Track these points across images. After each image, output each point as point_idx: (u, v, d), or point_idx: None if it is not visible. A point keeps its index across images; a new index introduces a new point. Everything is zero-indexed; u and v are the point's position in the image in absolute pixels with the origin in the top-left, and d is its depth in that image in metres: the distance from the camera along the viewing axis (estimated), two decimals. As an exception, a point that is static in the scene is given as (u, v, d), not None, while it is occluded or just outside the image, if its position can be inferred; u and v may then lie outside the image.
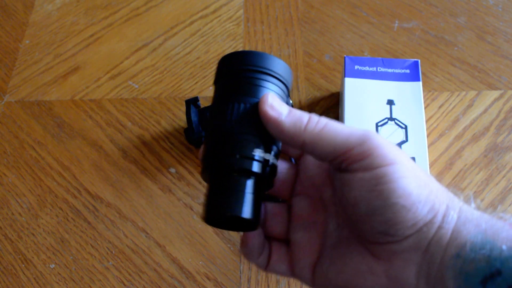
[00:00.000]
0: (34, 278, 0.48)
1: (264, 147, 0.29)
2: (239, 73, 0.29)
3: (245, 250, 0.32)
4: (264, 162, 0.29)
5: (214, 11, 0.65)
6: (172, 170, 0.53)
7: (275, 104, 0.28)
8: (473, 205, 0.27)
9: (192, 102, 0.54)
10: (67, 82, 0.61)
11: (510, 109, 0.54)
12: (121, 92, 0.59)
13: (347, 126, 0.28)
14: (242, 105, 0.29)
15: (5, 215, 0.52)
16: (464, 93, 0.56)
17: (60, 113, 0.58)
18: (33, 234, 0.50)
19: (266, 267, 0.32)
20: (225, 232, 0.49)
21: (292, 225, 0.33)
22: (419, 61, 0.51)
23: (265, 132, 0.29)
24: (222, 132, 0.29)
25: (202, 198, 0.51)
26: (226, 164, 0.28)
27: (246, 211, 0.28)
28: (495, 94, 0.55)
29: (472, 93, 0.55)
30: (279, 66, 0.30)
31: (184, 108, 0.57)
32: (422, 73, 0.57)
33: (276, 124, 0.28)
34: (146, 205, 0.51)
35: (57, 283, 0.48)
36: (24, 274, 0.48)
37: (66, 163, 0.55)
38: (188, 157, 0.54)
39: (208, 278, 0.47)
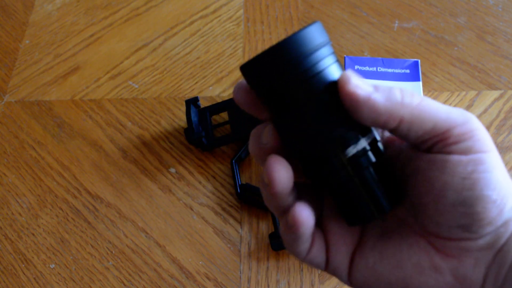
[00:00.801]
0: (34, 278, 0.48)
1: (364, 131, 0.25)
2: (292, 71, 0.24)
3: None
4: (373, 144, 0.26)
5: (214, 11, 0.65)
6: (172, 170, 0.53)
7: (359, 82, 0.24)
8: None
9: (192, 102, 0.54)
10: (67, 82, 0.61)
11: (510, 109, 0.54)
12: (121, 92, 0.59)
13: (442, 104, 0.24)
14: (317, 105, 0.24)
15: (5, 215, 0.52)
16: (464, 93, 0.56)
17: (60, 113, 0.58)
18: (33, 234, 0.50)
19: (305, 256, 0.28)
20: (225, 232, 0.49)
21: (326, 208, 0.29)
22: (419, 61, 0.51)
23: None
24: (317, 144, 0.25)
25: (202, 198, 0.51)
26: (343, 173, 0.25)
27: (385, 205, 0.25)
28: (495, 94, 0.55)
29: (472, 93, 0.55)
30: (317, 35, 0.24)
31: (184, 108, 0.57)
32: (422, 73, 0.57)
33: (370, 104, 0.23)
34: (146, 205, 0.51)
35: (57, 283, 0.48)
36: (24, 274, 0.48)
37: (66, 163, 0.55)
38: (188, 157, 0.54)
39: (208, 278, 0.47)
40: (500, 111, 0.54)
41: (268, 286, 0.46)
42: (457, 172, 0.23)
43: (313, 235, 0.27)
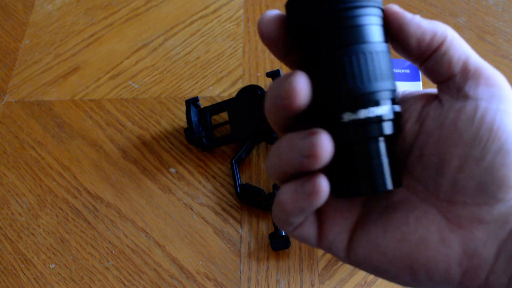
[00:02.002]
0: (34, 278, 0.48)
1: (394, 96, 0.24)
2: (334, 16, 0.23)
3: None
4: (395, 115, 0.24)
5: (214, 11, 0.65)
6: (172, 170, 0.53)
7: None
8: None
9: (192, 102, 0.54)
10: (67, 82, 0.61)
11: (510, 109, 0.54)
12: (121, 92, 0.59)
13: None
14: (360, 57, 0.23)
15: (5, 215, 0.52)
16: (464, 93, 0.56)
17: (60, 113, 0.58)
18: (33, 234, 0.51)
19: (295, 229, 0.26)
20: (225, 232, 0.49)
21: None
22: (419, 61, 0.51)
23: (390, 74, 0.25)
24: (347, 97, 0.23)
25: (202, 198, 0.51)
26: (363, 134, 0.23)
27: (391, 182, 0.24)
28: (495, 94, 0.55)
29: (472, 93, 0.55)
30: None
31: (184, 108, 0.57)
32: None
33: (416, 21, 0.24)
34: (146, 205, 0.51)
35: (57, 283, 0.48)
36: (24, 274, 0.48)
37: (66, 163, 0.55)
38: (188, 157, 0.54)
39: (208, 278, 0.47)
40: (500, 111, 0.54)
41: (268, 286, 0.46)
42: (486, 121, 0.23)
43: None
